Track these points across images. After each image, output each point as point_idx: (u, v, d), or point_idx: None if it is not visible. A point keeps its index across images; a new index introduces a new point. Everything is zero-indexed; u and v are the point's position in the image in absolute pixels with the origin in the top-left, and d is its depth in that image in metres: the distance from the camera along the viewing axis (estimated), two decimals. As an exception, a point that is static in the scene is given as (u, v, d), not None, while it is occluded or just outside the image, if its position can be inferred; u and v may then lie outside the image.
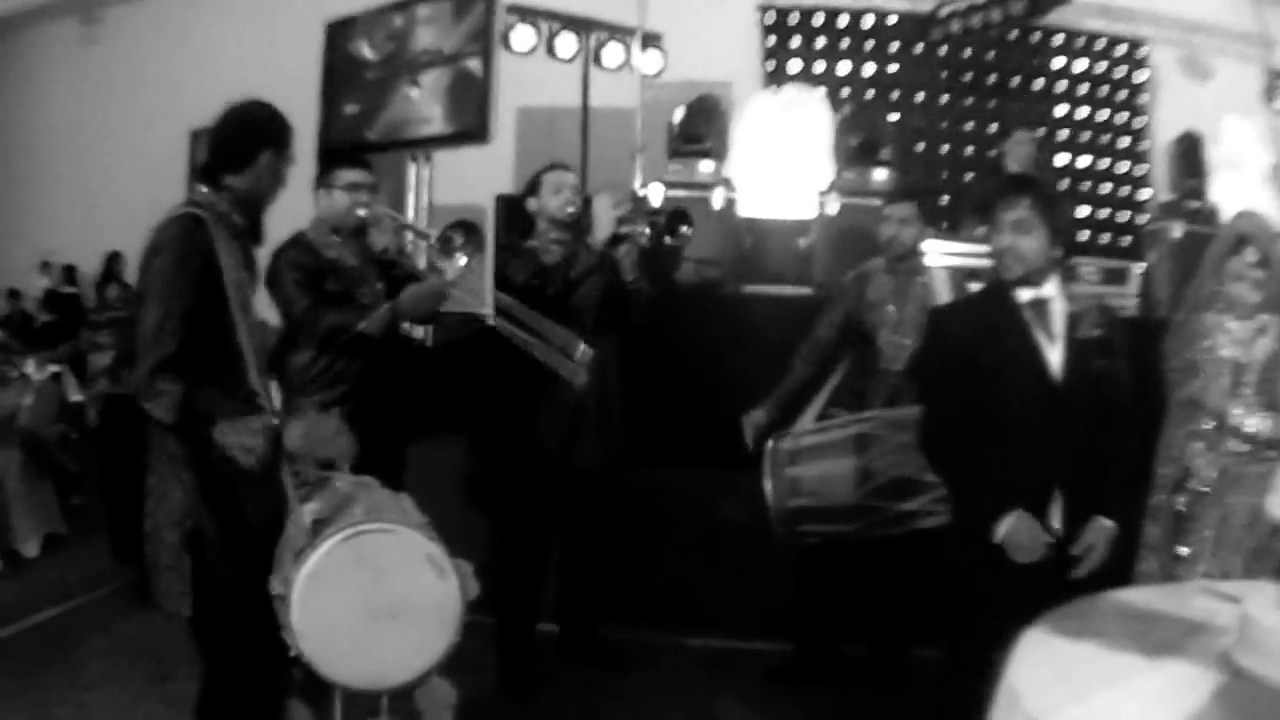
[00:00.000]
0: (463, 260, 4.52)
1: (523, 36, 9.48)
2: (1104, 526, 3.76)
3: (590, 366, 4.94)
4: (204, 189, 3.54)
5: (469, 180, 9.03)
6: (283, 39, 11.42)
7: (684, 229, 5.16)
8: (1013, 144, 7.86)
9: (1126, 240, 10.22)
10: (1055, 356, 3.83)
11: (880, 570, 5.15)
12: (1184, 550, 4.06)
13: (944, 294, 5.20)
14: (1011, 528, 3.72)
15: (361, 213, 4.78)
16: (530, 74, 9.67)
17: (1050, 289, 3.87)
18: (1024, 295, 3.86)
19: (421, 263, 4.86)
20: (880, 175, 7.74)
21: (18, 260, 14.11)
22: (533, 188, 5.30)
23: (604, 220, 5.05)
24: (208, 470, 3.32)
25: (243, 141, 3.59)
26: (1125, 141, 11.23)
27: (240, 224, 3.57)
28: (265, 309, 4.31)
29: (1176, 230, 7.84)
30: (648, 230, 5.10)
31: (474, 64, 8.23)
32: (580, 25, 9.84)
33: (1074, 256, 4.02)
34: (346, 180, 4.80)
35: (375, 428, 4.60)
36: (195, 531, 3.37)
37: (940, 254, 6.48)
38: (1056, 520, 3.79)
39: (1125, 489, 3.90)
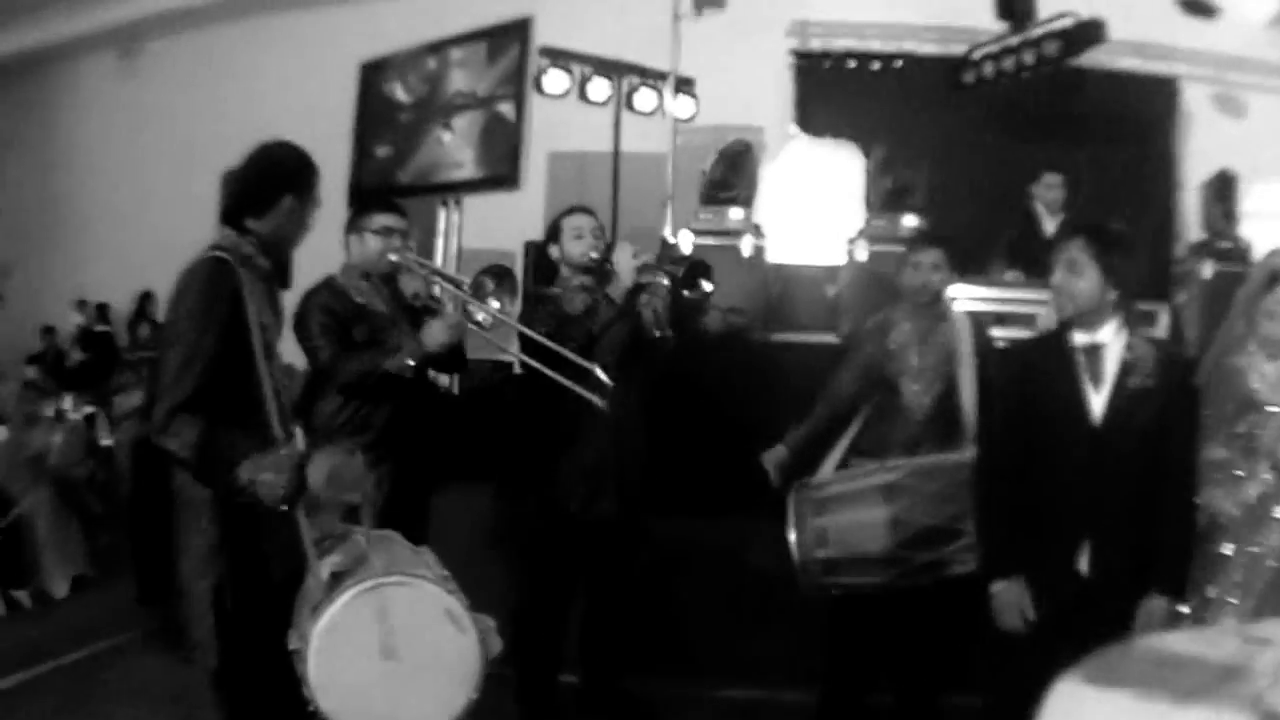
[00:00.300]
0: (495, 305, 4.48)
1: (555, 80, 9.52)
2: (1159, 606, 3.73)
3: (611, 395, 4.75)
4: (228, 232, 3.49)
5: (499, 225, 9.07)
6: (318, 78, 11.45)
7: (703, 283, 5.07)
8: (1042, 187, 7.81)
9: (1158, 281, 10.08)
10: (1099, 403, 3.82)
11: (909, 618, 5.03)
12: (1213, 592, 3.97)
13: (967, 340, 5.13)
14: (1001, 589, 3.82)
15: (393, 258, 4.72)
16: (562, 118, 9.69)
17: (1106, 334, 3.86)
18: (1079, 339, 3.87)
19: (456, 309, 4.75)
20: (910, 221, 7.71)
21: (53, 296, 14.15)
22: (553, 233, 5.22)
23: (625, 270, 4.96)
24: (230, 522, 3.28)
25: (264, 184, 3.54)
26: (1156, 181, 11.08)
27: (266, 267, 3.52)
28: (292, 353, 4.32)
29: (1207, 270, 7.78)
30: (667, 282, 5.00)
31: (506, 107, 8.28)
32: (613, 69, 9.84)
33: (1138, 302, 3.95)
34: (379, 224, 4.76)
35: (402, 477, 4.61)
36: (217, 587, 3.33)
37: (967, 298, 6.45)
38: (1085, 564, 3.79)
39: (1184, 561, 3.82)
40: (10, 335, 13.63)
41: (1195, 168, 10.17)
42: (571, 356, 4.62)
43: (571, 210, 5.27)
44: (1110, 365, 3.84)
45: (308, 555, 3.35)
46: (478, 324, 4.48)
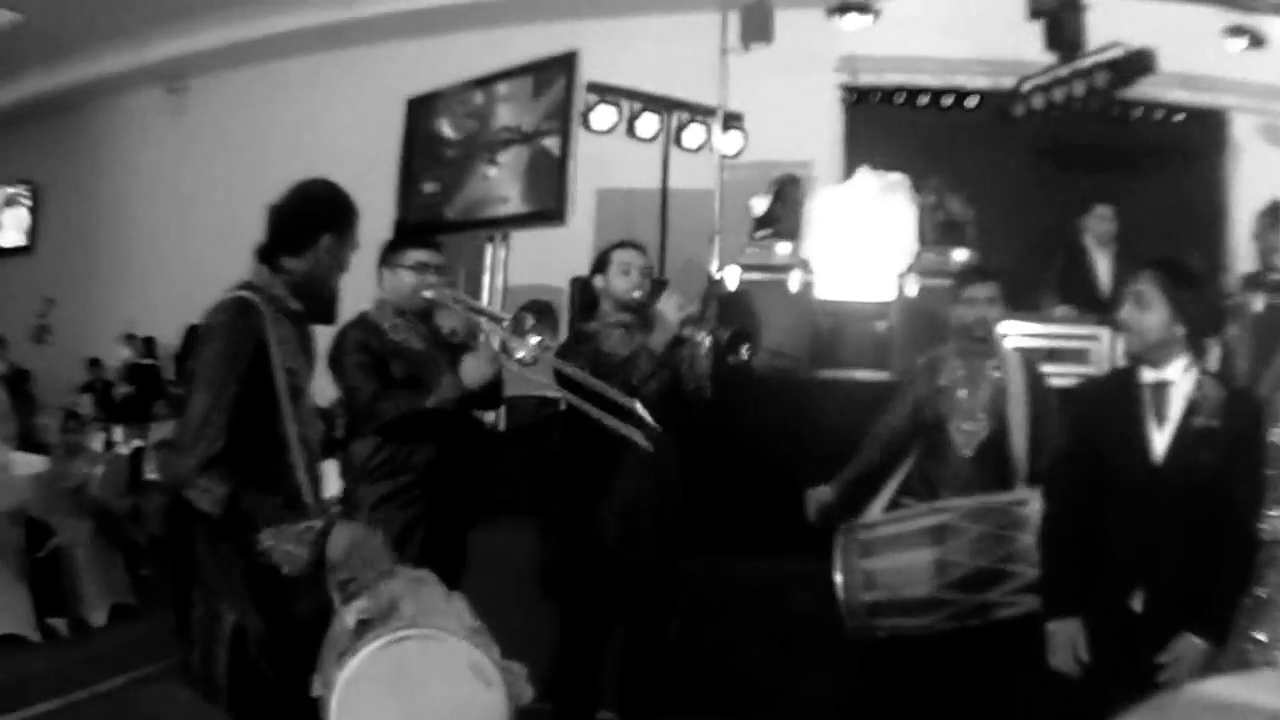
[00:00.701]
0: (535, 340, 4.35)
1: (603, 116, 9.47)
2: (1193, 644, 3.61)
3: (654, 437, 4.67)
4: (261, 269, 3.42)
5: (545, 261, 9.03)
6: (365, 114, 11.54)
7: (744, 349, 4.99)
8: (1093, 219, 7.74)
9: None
10: (1161, 442, 3.73)
11: (956, 661, 4.91)
12: (1261, 636, 3.85)
13: (1019, 377, 5.07)
14: (1057, 628, 3.77)
15: (428, 294, 4.61)
16: (609, 154, 9.64)
17: (1174, 371, 3.78)
18: (1147, 376, 3.80)
19: (495, 346, 4.59)
20: (960, 255, 7.59)
21: (100, 329, 14.21)
22: (601, 265, 5.13)
23: (669, 320, 4.88)
24: (254, 562, 3.19)
25: (302, 223, 3.46)
26: (1205, 213, 10.91)
27: (297, 308, 3.44)
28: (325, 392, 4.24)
29: (1258, 303, 7.65)
30: (708, 342, 4.94)
31: (552, 142, 8.24)
32: (661, 105, 9.80)
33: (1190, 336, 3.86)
34: (414, 260, 4.64)
35: (439, 518, 4.54)
36: (239, 628, 3.26)
37: (1018, 334, 6.35)
38: (1138, 604, 3.71)
39: (1230, 608, 3.70)
40: (57, 368, 13.72)
41: (1244, 199, 10.07)
42: (612, 393, 4.54)
43: (622, 244, 5.18)
44: (1176, 404, 3.76)
45: (334, 601, 3.26)
46: (520, 360, 4.37)
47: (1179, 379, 3.78)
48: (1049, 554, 4.02)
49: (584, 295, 5.83)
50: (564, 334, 5.04)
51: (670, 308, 4.91)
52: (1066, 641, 3.75)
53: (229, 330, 3.26)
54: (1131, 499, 3.74)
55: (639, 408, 4.51)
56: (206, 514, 3.18)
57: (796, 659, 5.93)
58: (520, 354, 4.31)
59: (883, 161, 8.52)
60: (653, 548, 4.96)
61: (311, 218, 3.48)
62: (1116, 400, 3.86)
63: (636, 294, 5.02)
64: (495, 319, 4.59)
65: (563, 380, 4.65)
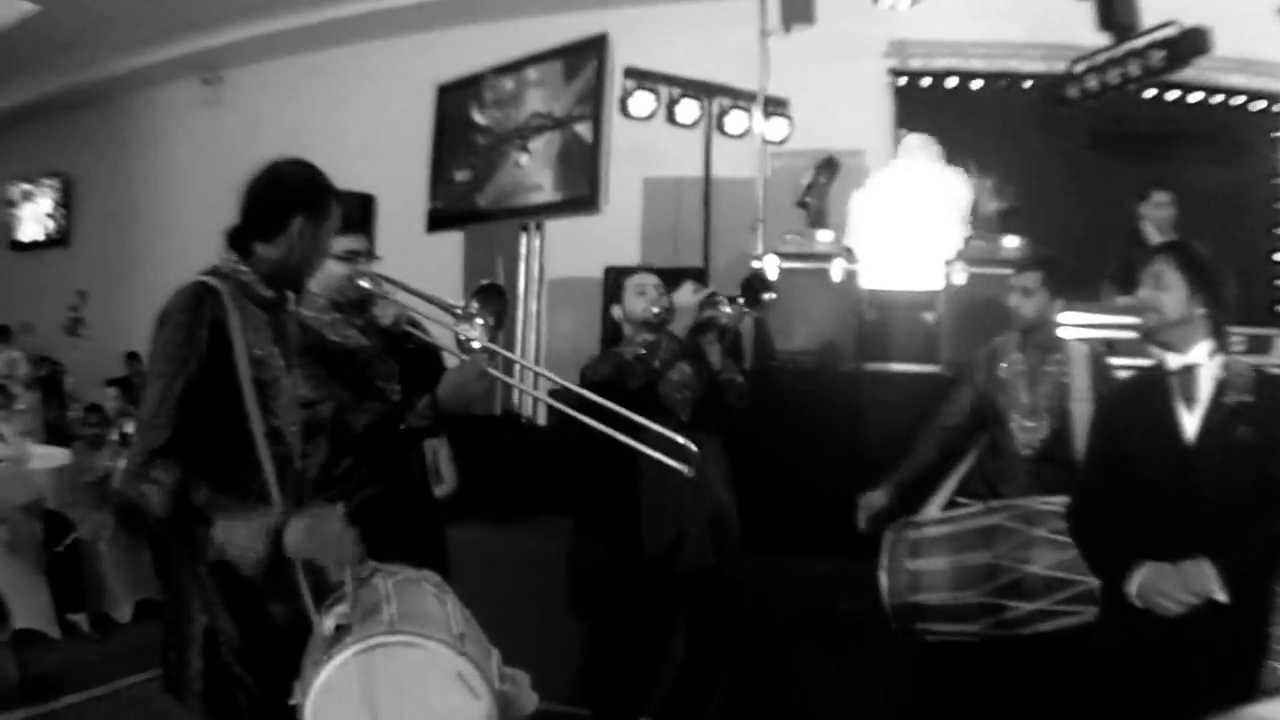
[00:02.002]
0: (479, 323, 4.04)
1: (642, 102, 9.29)
2: (1204, 571, 3.47)
3: (696, 462, 4.45)
4: (230, 255, 3.19)
5: (579, 250, 8.88)
6: (396, 103, 11.46)
7: (765, 295, 4.96)
8: (1151, 207, 7.47)
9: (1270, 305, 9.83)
10: (1192, 423, 3.61)
11: (1004, 673, 4.70)
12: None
13: (1082, 372, 4.86)
14: (1144, 580, 3.53)
15: (364, 284, 4.18)
16: (653, 142, 9.49)
17: (1199, 354, 3.67)
18: (1172, 362, 3.70)
19: (444, 337, 4.26)
20: (1011, 243, 7.30)
21: (137, 322, 14.07)
22: (616, 295, 5.09)
23: (686, 307, 4.83)
24: (224, 562, 2.95)
25: (272, 206, 3.22)
26: (1264, 200, 10.67)
27: (268, 295, 3.21)
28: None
29: None
30: (728, 309, 4.88)
31: (585, 128, 8.02)
32: (701, 90, 9.63)
33: (1228, 322, 3.74)
34: (342, 248, 4.09)
35: (412, 520, 4.20)
36: (210, 630, 3.03)
37: (1078, 325, 6.10)
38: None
39: (1252, 565, 3.53)
40: (91, 361, 13.64)
41: None
42: (646, 422, 4.28)
43: (635, 270, 5.22)
44: (1205, 385, 3.64)
45: (307, 605, 3.03)
46: (480, 351, 4.05)
47: (1205, 362, 3.66)
48: (1084, 543, 3.89)
49: (605, 328, 5.71)
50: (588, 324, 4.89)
51: (686, 294, 4.87)
52: (1158, 584, 3.50)
53: (181, 316, 3.02)
54: (1168, 483, 3.60)
55: (678, 439, 4.26)
56: (153, 515, 2.93)
57: (845, 664, 5.73)
58: (476, 344, 4.03)
59: (937, 147, 8.29)
60: (704, 559, 4.82)
61: (282, 200, 3.23)
62: (1144, 388, 3.78)
63: (655, 310, 4.95)
64: (446, 307, 4.24)
65: (588, 408, 4.36)
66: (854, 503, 5.10)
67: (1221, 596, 3.44)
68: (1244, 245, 9.81)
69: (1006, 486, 4.83)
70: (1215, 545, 3.49)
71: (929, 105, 10.75)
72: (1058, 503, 4.40)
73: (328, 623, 2.95)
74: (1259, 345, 7.12)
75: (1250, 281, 8.81)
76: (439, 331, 4.27)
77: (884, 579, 4.66)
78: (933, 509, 4.93)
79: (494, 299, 4.12)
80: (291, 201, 3.22)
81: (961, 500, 4.92)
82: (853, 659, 5.67)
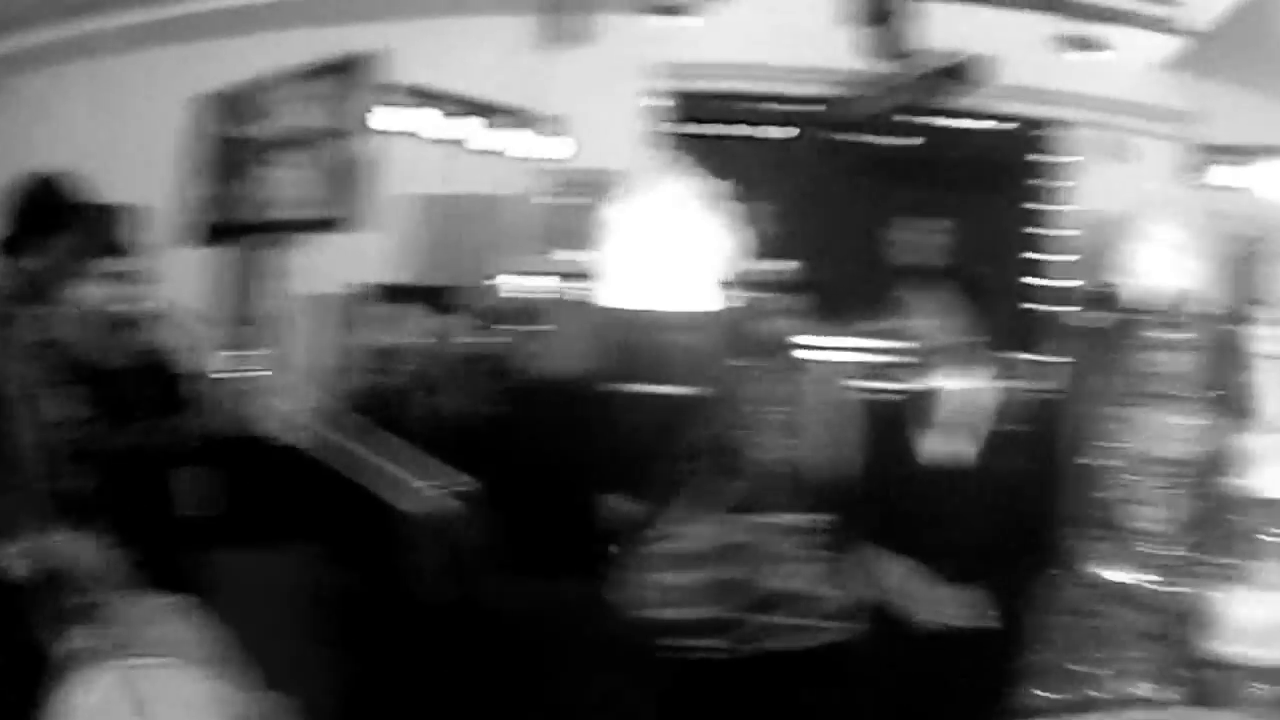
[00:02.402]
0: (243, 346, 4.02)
1: (409, 119, 9.31)
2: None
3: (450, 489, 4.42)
4: None
5: (346, 267, 8.74)
6: (155, 116, 11.01)
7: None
8: (912, 233, 7.64)
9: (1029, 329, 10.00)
10: (948, 448, 3.76)
11: (754, 688, 4.78)
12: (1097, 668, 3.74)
13: (821, 393, 5.05)
14: (903, 589, 3.71)
15: (119, 307, 4.22)
16: (411, 157, 9.40)
17: (958, 378, 3.81)
18: (934, 386, 3.83)
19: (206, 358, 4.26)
20: (771, 267, 7.38)
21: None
22: (367, 316, 5.45)
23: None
24: None
25: (30, 220, 3.21)
26: (1036, 227, 10.94)
27: (32, 310, 3.16)
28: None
29: (1087, 318, 7.64)
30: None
31: (348, 144, 7.85)
32: (472, 108, 9.65)
33: (989, 348, 3.79)
34: (104, 268, 4.16)
35: (167, 542, 4.11)
36: None
37: (834, 348, 6.43)
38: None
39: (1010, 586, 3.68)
40: None
41: (1079, 212, 10.33)
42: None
43: (400, 289, 5.63)
44: (968, 411, 3.77)
45: (43, 633, 2.96)
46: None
47: (963, 385, 3.79)
48: (845, 550, 4.04)
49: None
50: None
51: (417, 319, 5.16)
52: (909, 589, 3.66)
53: None
54: (918, 506, 3.76)
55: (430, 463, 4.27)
56: None
57: (600, 684, 5.47)
58: (237, 364, 4.00)
59: (702, 169, 8.35)
60: (458, 587, 4.86)
61: (39, 215, 3.22)
62: (898, 416, 3.88)
63: (399, 339, 5.22)
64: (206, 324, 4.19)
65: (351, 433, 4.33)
66: (606, 524, 5.19)
67: (977, 622, 3.48)
68: (1010, 270, 10.09)
69: (742, 503, 4.91)
70: (968, 571, 3.62)
71: (700, 127, 10.79)
72: (802, 519, 4.64)
73: (67, 645, 2.91)
74: (1025, 369, 7.35)
75: (1013, 306, 9.09)
76: (201, 352, 4.26)
77: (624, 595, 4.83)
78: (670, 525, 4.99)
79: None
80: (48, 216, 3.22)
81: (708, 516, 4.97)
82: (607, 678, 5.46)
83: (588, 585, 5.45)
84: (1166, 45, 10.09)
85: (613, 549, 5.10)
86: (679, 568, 4.81)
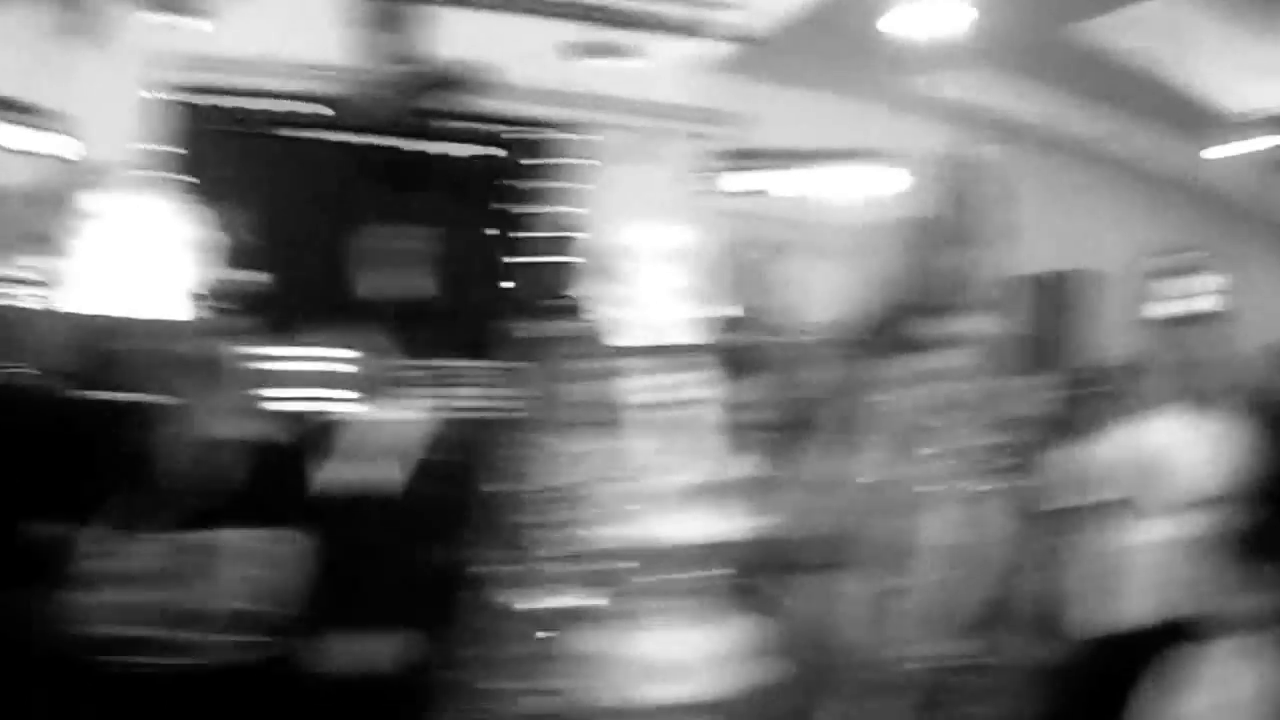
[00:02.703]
0: None
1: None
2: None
3: None
4: None
5: None
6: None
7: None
8: (379, 239, 7.67)
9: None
10: (344, 474, 3.89)
11: (196, 704, 4.71)
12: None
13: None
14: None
15: None
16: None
17: (389, 408, 3.91)
18: (359, 411, 3.94)
19: None
20: (238, 276, 7.47)
21: None
22: None
23: None
24: None
25: None
26: (527, 234, 10.74)
27: None
28: None
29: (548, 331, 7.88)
30: None
31: None
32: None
33: (427, 371, 3.91)
34: None
35: None
36: None
37: (275, 359, 6.37)
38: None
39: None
40: None
41: (600, 217, 10.42)
42: None
43: None
44: (385, 437, 3.91)
45: None
46: None
47: (398, 413, 3.93)
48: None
49: None
50: None
51: None
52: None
53: None
54: (338, 534, 3.83)
55: None
56: None
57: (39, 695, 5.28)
58: None
59: (192, 171, 8.26)
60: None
61: None
62: (326, 441, 3.95)
63: None
64: None
65: None
66: (60, 533, 4.96)
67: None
68: (487, 282, 10.24)
69: (166, 520, 4.84)
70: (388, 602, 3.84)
71: (199, 125, 10.15)
72: (205, 537, 4.64)
73: None
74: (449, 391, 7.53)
75: (484, 319, 8.99)
76: None
77: (67, 610, 4.66)
78: (102, 541, 4.85)
79: None
80: None
81: (113, 532, 4.88)
82: (44, 692, 5.25)
83: (23, 599, 5.30)
84: (712, 50, 10.40)
85: (48, 564, 4.89)
86: (117, 585, 4.71)
